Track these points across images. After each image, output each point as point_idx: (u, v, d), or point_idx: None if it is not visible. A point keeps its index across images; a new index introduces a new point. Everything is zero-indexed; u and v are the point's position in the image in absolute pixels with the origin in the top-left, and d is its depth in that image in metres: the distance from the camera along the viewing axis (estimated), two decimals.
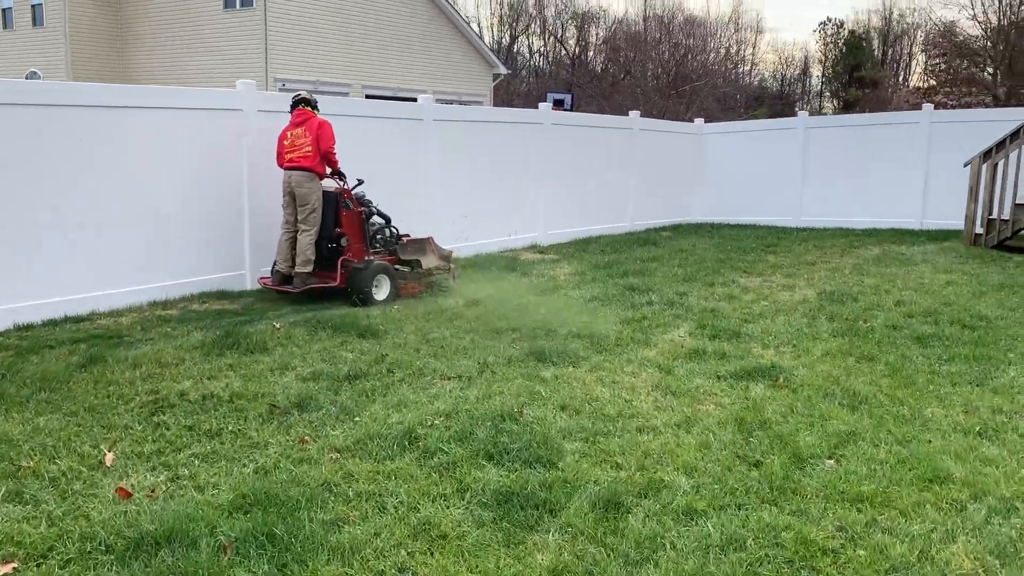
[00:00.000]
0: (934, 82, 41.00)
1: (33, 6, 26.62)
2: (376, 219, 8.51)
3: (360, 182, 8.35)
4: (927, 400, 5.28)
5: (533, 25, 50.35)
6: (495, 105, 30.66)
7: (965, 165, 11.71)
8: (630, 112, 15.26)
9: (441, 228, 9.83)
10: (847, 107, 45.52)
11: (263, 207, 8.68)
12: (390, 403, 5.02)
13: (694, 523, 3.62)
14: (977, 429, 4.76)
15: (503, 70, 32.20)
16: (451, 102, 25.99)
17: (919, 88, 43.15)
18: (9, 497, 3.75)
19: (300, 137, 7.87)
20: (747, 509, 3.76)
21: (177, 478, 4.01)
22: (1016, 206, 11.15)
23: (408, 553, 3.35)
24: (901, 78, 51.82)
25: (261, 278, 8.40)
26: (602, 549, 3.39)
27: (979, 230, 11.52)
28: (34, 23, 26.80)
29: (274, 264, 8.16)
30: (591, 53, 50.13)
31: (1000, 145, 11.32)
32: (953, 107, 28.74)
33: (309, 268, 7.93)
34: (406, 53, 27.35)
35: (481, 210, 11.36)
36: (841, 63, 50.02)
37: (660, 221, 15.21)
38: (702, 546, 3.42)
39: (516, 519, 3.59)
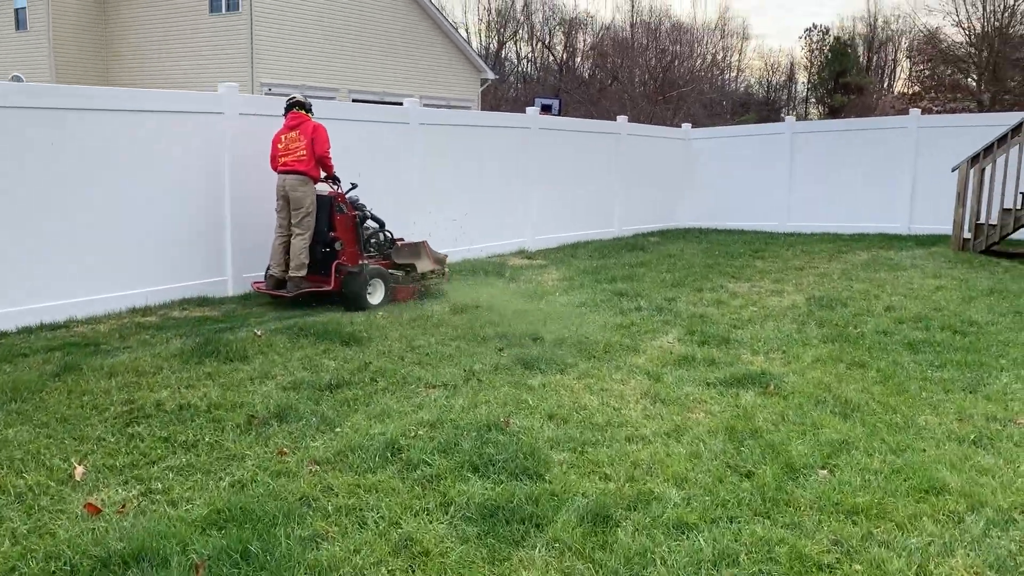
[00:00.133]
0: (918, 88, 41.21)
1: (16, 10, 26.34)
2: (370, 223, 8.45)
3: (354, 186, 8.30)
4: (920, 408, 5.19)
5: (521, 31, 50.35)
6: (483, 110, 30.58)
7: (953, 170, 11.68)
8: (618, 117, 15.19)
9: (427, 233, 9.69)
10: (832, 113, 45.70)
11: (246, 212, 8.54)
12: (373, 413, 4.88)
13: (685, 537, 3.51)
14: (972, 437, 4.67)
15: (491, 75, 32.12)
16: (439, 107, 25.86)
17: (904, 94, 43.38)
18: None
19: (294, 141, 7.82)
20: (739, 522, 3.65)
21: (149, 492, 3.86)
22: (1004, 211, 11.13)
23: (388, 571, 3.22)
24: (886, 84, 52.12)
25: (255, 283, 8.32)
26: (590, 566, 3.27)
27: (967, 235, 11.49)
28: (17, 27, 26.52)
29: (268, 268, 8.07)
30: (579, 59, 50.18)
31: (988, 150, 11.30)
32: (938, 113, 28.88)
33: (303, 272, 7.86)
34: (393, 57, 27.23)
35: (468, 215, 11.24)
36: (826, 69, 50.25)
37: (648, 226, 15.14)
38: (693, 561, 3.30)
39: (501, 534, 3.47)
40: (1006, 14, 35.05)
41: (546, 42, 50.66)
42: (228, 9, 24.27)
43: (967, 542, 3.50)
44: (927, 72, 40.94)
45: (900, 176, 13.85)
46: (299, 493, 3.83)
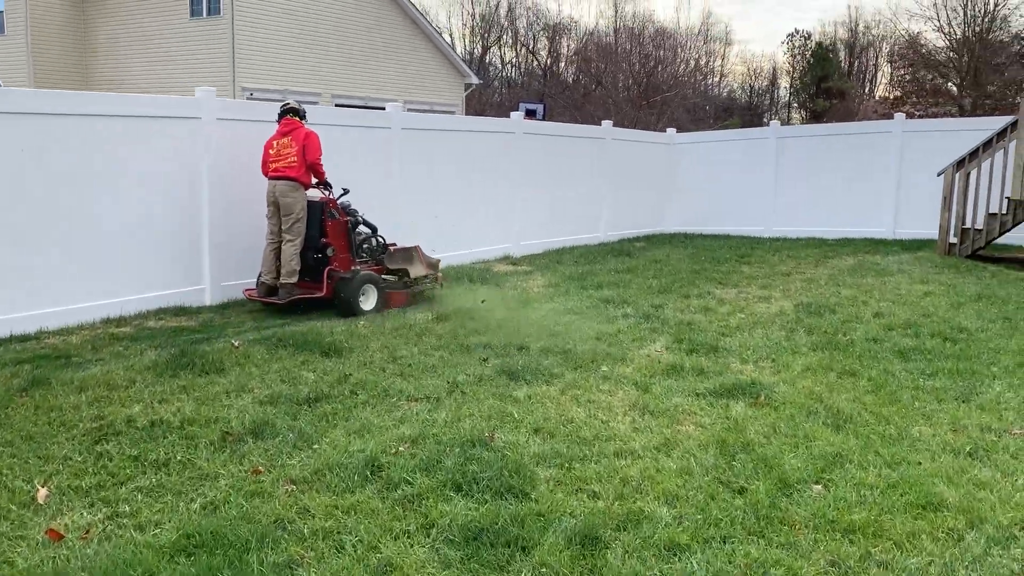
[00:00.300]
0: (900, 93, 41.44)
1: None
2: (363, 228, 8.41)
3: (345, 191, 8.24)
4: (913, 418, 5.09)
5: (505, 36, 50.28)
6: (467, 115, 30.43)
7: (939, 175, 11.65)
8: (602, 122, 15.08)
9: (411, 239, 9.49)
10: (815, 117, 45.92)
11: (225, 219, 8.36)
12: (352, 428, 4.72)
13: (677, 559, 3.37)
14: (967, 449, 4.56)
15: (475, 80, 31.99)
16: (423, 111, 25.72)
17: (885, 99, 43.60)
18: None
19: (286, 147, 7.79)
20: (733, 542, 3.51)
21: (116, 516, 3.68)
22: (989, 215, 11.10)
23: None
24: (868, 89, 52.46)
25: (247, 290, 8.23)
26: None
27: (953, 240, 11.45)
28: None
29: (259, 275, 8.01)
30: (563, 64, 50.15)
31: (973, 154, 11.27)
32: (920, 117, 29.00)
33: (294, 279, 7.80)
34: (377, 62, 27.05)
35: (452, 220, 11.08)
36: (809, 74, 50.51)
37: (633, 231, 15.03)
38: None
39: (485, 559, 3.32)
40: (986, 19, 35.31)
41: (530, 47, 50.63)
42: (209, 13, 24.01)
43: (968, 561, 3.38)
44: (908, 77, 41.18)
45: (885, 180, 13.81)
46: (274, 515, 3.67)
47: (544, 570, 3.25)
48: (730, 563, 3.33)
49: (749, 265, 11.24)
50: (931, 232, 12.33)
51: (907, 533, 3.60)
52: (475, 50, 49.01)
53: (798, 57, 52.73)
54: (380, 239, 8.52)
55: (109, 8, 25.43)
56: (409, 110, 25.10)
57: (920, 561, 3.37)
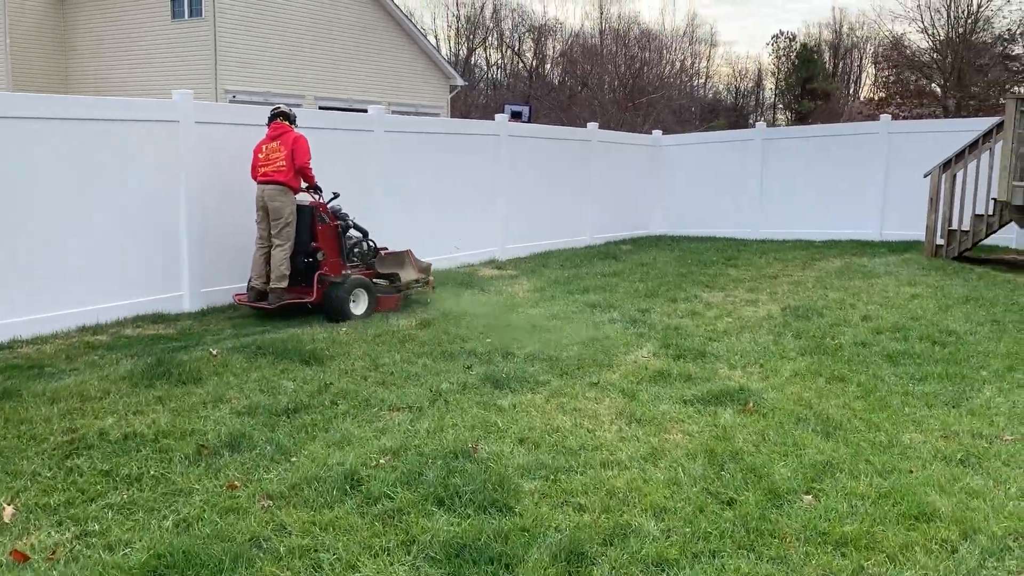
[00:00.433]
0: (884, 94, 41.62)
1: None
2: (353, 232, 8.37)
3: (336, 195, 8.19)
4: (903, 424, 5.01)
5: (490, 37, 50.17)
6: (453, 117, 30.30)
7: (925, 176, 11.63)
8: (588, 124, 15.00)
9: (394, 243, 9.37)
10: (800, 119, 46.06)
11: (203, 224, 8.22)
12: (332, 440, 4.59)
13: (665, 575, 3.27)
14: (959, 456, 4.49)
15: (460, 82, 31.85)
16: (408, 114, 25.58)
17: (870, 100, 43.79)
18: None
19: (275, 151, 7.76)
20: (722, 556, 3.42)
21: (85, 535, 3.54)
22: (976, 217, 11.08)
23: None
24: (852, 90, 52.68)
25: (236, 295, 8.16)
26: None
27: (940, 241, 11.43)
28: None
29: (249, 280, 7.96)
30: (548, 66, 50.09)
31: (959, 156, 11.26)
32: (905, 118, 29.09)
33: (284, 284, 7.76)
34: (361, 64, 26.88)
35: (436, 224, 10.96)
36: (794, 75, 50.66)
37: (620, 234, 14.95)
38: None
39: None
40: (969, 20, 35.51)
41: (516, 49, 50.55)
42: (191, 15, 23.77)
43: (963, 574, 3.30)
44: (892, 78, 41.37)
45: (871, 182, 13.80)
46: (249, 533, 3.54)
47: None
48: None
49: (736, 268, 11.17)
50: (918, 234, 12.31)
51: (900, 545, 3.52)
52: (460, 52, 48.89)
53: (783, 58, 52.90)
54: (371, 243, 8.49)
55: (89, 10, 25.16)
56: (394, 112, 25.04)
57: (914, 575, 3.29)
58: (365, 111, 10.30)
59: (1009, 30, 35.02)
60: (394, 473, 4.11)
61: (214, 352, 6.34)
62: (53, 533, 3.55)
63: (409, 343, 6.84)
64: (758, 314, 8.14)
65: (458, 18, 49.40)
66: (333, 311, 7.70)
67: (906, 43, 38.69)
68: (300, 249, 7.88)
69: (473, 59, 49.64)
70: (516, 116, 24.75)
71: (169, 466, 4.24)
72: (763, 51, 78.54)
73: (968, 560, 3.40)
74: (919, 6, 40.34)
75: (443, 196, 11.16)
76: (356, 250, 8.34)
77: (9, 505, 3.76)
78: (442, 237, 11.05)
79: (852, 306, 8.36)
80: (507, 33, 50.15)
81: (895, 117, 18.27)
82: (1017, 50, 35.43)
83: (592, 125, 14.75)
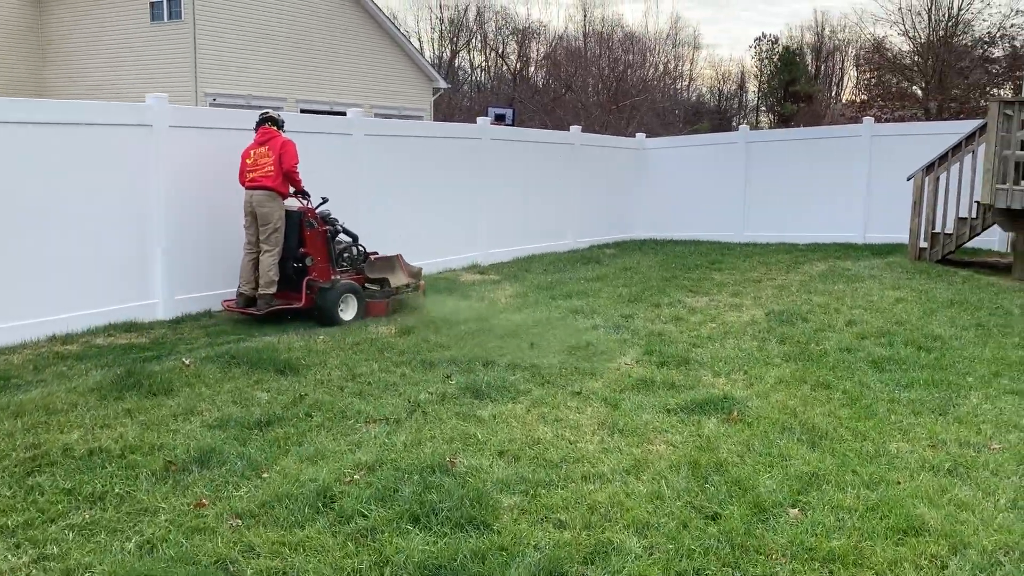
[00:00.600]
0: (866, 97, 41.82)
1: None
2: (343, 237, 8.34)
3: (324, 200, 8.15)
4: (890, 433, 4.93)
5: (474, 40, 50.07)
6: (436, 120, 30.15)
7: (908, 179, 11.61)
8: (571, 127, 14.90)
9: (373, 248, 9.23)
10: (783, 121, 46.24)
11: (178, 230, 8.06)
12: (305, 454, 4.45)
13: None
14: (947, 466, 4.41)
15: (443, 84, 31.71)
16: (391, 116, 25.41)
17: (852, 102, 43.99)
18: None
19: (263, 156, 7.74)
20: (707, 575, 3.31)
21: (43, 558, 3.39)
22: (959, 220, 11.06)
23: None
24: (834, 93, 52.95)
25: (225, 301, 8.10)
26: None
27: (923, 244, 11.41)
28: None
29: (239, 286, 7.92)
30: (532, 68, 50.03)
31: (943, 158, 11.24)
32: (887, 121, 29.22)
33: (272, 289, 7.74)
34: (343, 67, 26.69)
35: (417, 229, 10.82)
36: (776, 78, 50.89)
37: (604, 238, 14.86)
38: None
39: None
40: (950, 23, 35.73)
41: (499, 51, 50.46)
42: (170, 17, 23.51)
43: None
44: (874, 80, 41.57)
45: (854, 185, 13.78)
46: (215, 555, 3.40)
47: None
48: None
49: (720, 272, 11.10)
50: (901, 237, 12.29)
51: (889, 561, 3.42)
52: (444, 54, 48.75)
53: (766, 61, 53.12)
54: (360, 248, 8.45)
55: (66, 12, 24.85)
56: (377, 115, 24.88)
57: None
58: (345, 114, 10.14)
59: (989, 33, 35.28)
60: (369, 489, 3.97)
61: (187, 362, 6.18)
62: (9, 557, 3.40)
63: (388, 352, 6.70)
64: (742, 319, 8.06)
65: (441, 21, 49.31)
66: (322, 317, 7.66)
67: (887, 46, 38.90)
68: (289, 254, 7.86)
69: (457, 62, 49.54)
70: (500, 119, 24.66)
71: (135, 483, 4.08)
72: (746, 54, 78.91)
73: None
74: (900, 9, 40.64)
75: (424, 200, 11.02)
76: (346, 255, 8.31)
77: None
78: (423, 241, 10.90)
79: (836, 311, 8.29)
80: (491, 36, 50.10)
81: (877, 119, 18.27)
82: (997, 53, 35.69)
83: (575, 128, 14.66)
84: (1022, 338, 7.14)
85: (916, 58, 37.16)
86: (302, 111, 23.34)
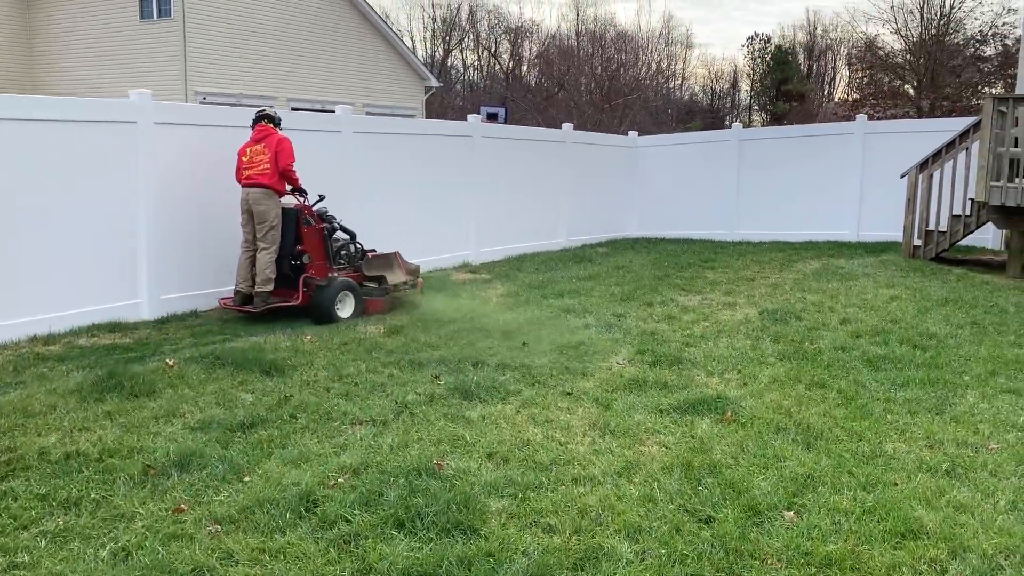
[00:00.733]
0: (858, 95, 41.83)
1: None
2: (340, 235, 8.31)
3: (321, 197, 8.13)
4: (886, 433, 4.84)
5: (466, 39, 49.92)
6: (428, 118, 30.00)
7: (902, 176, 11.54)
8: (563, 125, 14.80)
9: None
10: (775, 120, 46.21)
11: (164, 228, 7.93)
12: (288, 457, 4.34)
13: None
14: (944, 467, 4.32)
15: (435, 83, 31.56)
16: (382, 115, 25.26)
17: (845, 101, 44.01)
18: None
19: (259, 154, 7.71)
20: None
21: (14, 567, 3.27)
22: (953, 217, 11.00)
23: None
24: (826, 92, 52.96)
25: (222, 299, 8.06)
26: None
27: (917, 242, 11.34)
28: None
29: (236, 284, 7.88)
30: (525, 67, 49.92)
31: (936, 155, 11.17)
32: (880, 119, 29.21)
33: (269, 287, 7.71)
34: (334, 65, 26.53)
35: (408, 227, 10.69)
36: (769, 77, 50.86)
37: (596, 236, 14.76)
38: None
39: None
40: (942, 22, 35.76)
41: (492, 50, 50.34)
42: (159, 16, 23.33)
43: None
44: (866, 79, 41.58)
45: (848, 182, 13.71)
46: (193, 563, 3.29)
47: None
48: None
49: (713, 270, 11.01)
50: (895, 234, 12.23)
51: (887, 566, 3.33)
52: (436, 53, 48.60)
53: (758, 60, 53.08)
54: (358, 245, 8.42)
55: (55, 10, 24.64)
56: (368, 113, 24.74)
57: None
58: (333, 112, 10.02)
59: (981, 31, 35.33)
60: (353, 493, 3.86)
61: (170, 363, 6.05)
62: None
63: (376, 351, 6.58)
64: (735, 318, 7.97)
65: (434, 20, 49.16)
66: (319, 314, 7.64)
67: (880, 44, 38.92)
68: (286, 252, 7.84)
69: (449, 61, 49.41)
70: (492, 117, 24.55)
71: (112, 488, 3.96)
72: (738, 53, 78.92)
73: None
74: (892, 7, 40.61)
75: (414, 198, 10.90)
76: (343, 252, 8.28)
77: None
78: (413, 240, 10.78)
79: (831, 309, 8.21)
80: (483, 35, 49.97)
81: (870, 118, 18.20)
82: (989, 51, 35.74)
83: (567, 126, 14.55)
84: (1018, 336, 7.07)
85: (908, 57, 37.19)
86: (293, 109, 23.16)
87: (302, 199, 8.01)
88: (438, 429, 4.80)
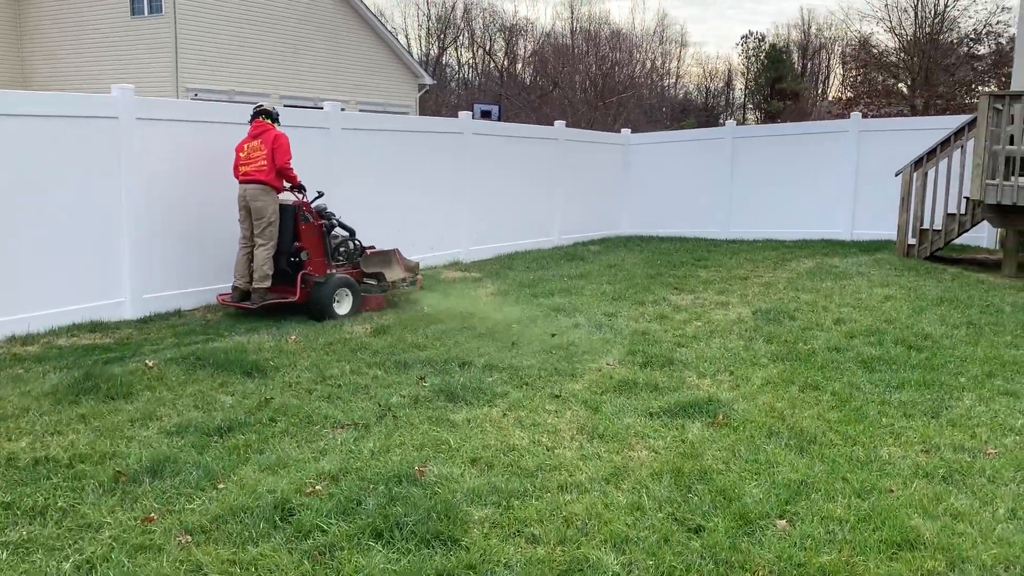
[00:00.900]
0: (852, 94, 41.78)
1: None
2: (339, 231, 8.26)
3: (320, 194, 8.09)
4: (882, 437, 4.72)
5: (461, 37, 49.73)
6: (422, 116, 29.84)
7: (897, 174, 11.43)
8: (555, 122, 14.66)
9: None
10: (770, 119, 46.13)
11: (147, 226, 7.78)
12: (266, 463, 4.20)
13: None
14: (941, 473, 4.20)
15: (428, 80, 31.39)
16: (376, 112, 25.09)
17: (839, 99, 43.95)
18: None
19: (256, 150, 7.64)
20: None
21: None
22: (948, 216, 10.89)
23: None
24: (821, 90, 52.93)
25: (220, 295, 7.98)
26: None
27: (911, 241, 11.23)
28: None
29: (234, 281, 7.83)
30: (520, 65, 49.76)
31: (931, 154, 11.07)
32: (874, 118, 29.14)
33: (267, 284, 7.70)
34: (327, 62, 26.36)
35: (396, 225, 10.55)
36: (763, 76, 50.78)
37: (588, 235, 14.63)
38: None
39: None
40: (936, 20, 35.71)
41: (487, 48, 50.16)
42: (150, 11, 23.12)
43: None
44: (860, 78, 41.52)
45: (842, 181, 13.59)
46: None
47: None
48: None
49: (706, 269, 10.89)
50: (889, 233, 12.13)
51: None
52: (431, 51, 48.40)
53: (752, 59, 53.00)
54: (357, 242, 8.37)
55: (46, 6, 24.42)
56: (362, 110, 24.54)
57: None
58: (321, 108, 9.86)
59: (975, 30, 35.29)
60: (330, 501, 3.72)
61: (150, 363, 5.91)
62: None
63: (361, 352, 6.44)
64: (728, 317, 7.85)
65: (429, 18, 48.94)
66: (316, 311, 7.61)
67: (874, 43, 38.86)
68: (283, 248, 7.78)
69: (444, 59, 49.19)
70: (486, 115, 24.43)
71: (80, 496, 3.82)
72: (733, 52, 78.90)
73: None
74: (887, 5, 40.57)
75: (404, 195, 10.76)
76: (341, 249, 8.23)
77: None
78: (403, 237, 10.63)
79: (824, 308, 8.09)
80: (478, 33, 49.77)
81: (864, 116, 18.10)
82: (982, 50, 35.70)
83: (559, 123, 14.41)
84: (1015, 337, 6.97)
85: (902, 55, 37.14)
86: (285, 106, 22.96)
87: (301, 196, 7.94)
88: (421, 433, 4.66)
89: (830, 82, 53.49)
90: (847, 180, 13.53)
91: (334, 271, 7.98)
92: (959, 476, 4.18)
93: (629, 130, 16.63)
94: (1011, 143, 9.88)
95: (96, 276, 7.50)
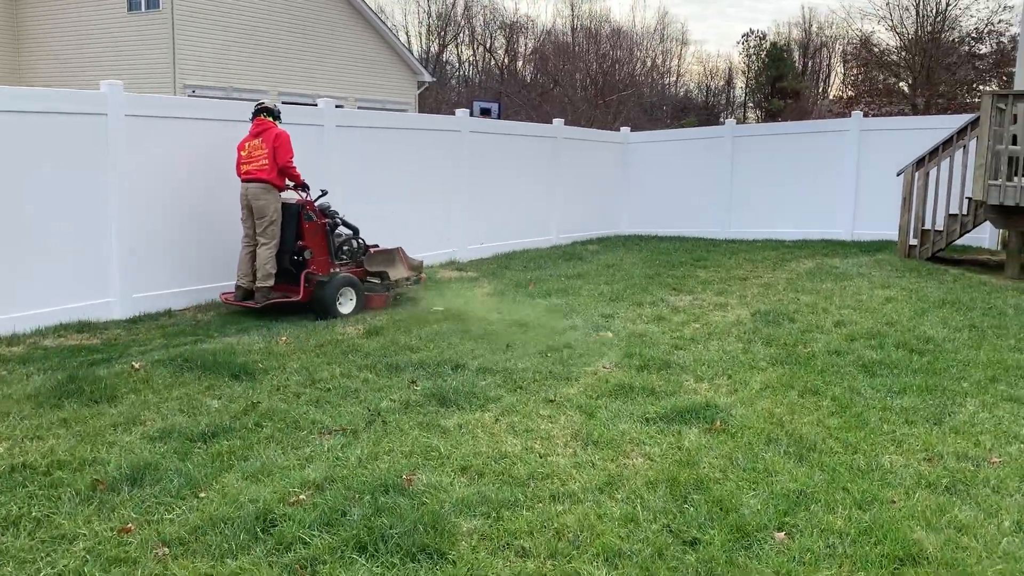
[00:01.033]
0: (853, 93, 41.63)
1: None
2: (343, 230, 8.20)
3: (324, 193, 8.01)
4: (883, 445, 4.60)
5: (462, 34, 49.54)
6: (421, 113, 29.70)
7: (898, 174, 11.30)
8: (553, 120, 14.53)
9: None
10: (770, 117, 45.95)
11: (137, 224, 7.67)
12: (249, 471, 4.08)
13: None
14: (944, 483, 4.08)
15: (427, 78, 31.24)
16: (375, 109, 24.96)
17: (839, 98, 43.81)
18: None
19: (257, 148, 7.56)
20: None
21: None
22: (949, 216, 10.77)
23: None
24: (822, 89, 52.76)
25: (223, 294, 7.93)
26: None
27: (913, 241, 11.11)
28: None
29: (237, 280, 7.78)
30: (520, 63, 49.59)
31: (933, 153, 10.94)
32: (875, 116, 29.01)
33: (270, 283, 7.66)
34: (326, 59, 26.21)
35: (392, 224, 10.42)
36: (764, 74, 50.59)
37: (587, 234, 14.51)
38: None
39: None
40: (938, 19, 35.57)
41: (487, 46, 49.98)
42: (147, 7, 22.98)
43: None
44: (861, 77, 41.37)
45: (842, 180, 13.47)
46: None
47: None
48: None
49: (705, 269, 10.77)
50: (890, 233, 12.01)
51: None
52: (431, 48, 48.20)
53: (753, 57, 52.80)
54: (360, 241, 8.29)
55: (42, 2, 24.27)
56: (360, 107, 24.40)
57: None
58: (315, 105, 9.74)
59: (976, 29, 35.14)
60: (314, 512, 3.60)
61: (136, 366, 5.79)
62: None
63: (353, 354, 6.32)
64: (727, 319, 7.73)
65: (429, 15, 48.71)
66: (320, 310, 7.58)
67: (875, 42, 38.71)
68: (287, 248, 7.74)
69: (444, 56, 49.00)
70: (486, 113, 24.32)
71: (56, 505, 3.70)
72: (733, 50, 78.75)
73: None
74: (888, 4, 40.40)
75: (400, 194, 10.63)
76: (345, 248, 8.16)
77: None
78: (399, 236, 10.50)
79: (824, 310, 7.97)
80: (479, 30, 49.58)
81: (865, 115, 17.97)
82: (984, 49, 35.56)
83: (557, 122, 14.28)
84: (1018, 340, 6.85)
85: (903, 54, 36.98)
86: (283, 103, 22.83)
87: (304, 194, 7.86)
88: (411, 439, 4.54)
89: (831, 81, 53.36)
90: (848, 180, 13.41)
91: (338, 270, 7.94)
92: (963, 486, 4.06)
93: (629, 128, 16.50)
94: (1014, 143, 9.76)
95: (84, 275, 7.38)
